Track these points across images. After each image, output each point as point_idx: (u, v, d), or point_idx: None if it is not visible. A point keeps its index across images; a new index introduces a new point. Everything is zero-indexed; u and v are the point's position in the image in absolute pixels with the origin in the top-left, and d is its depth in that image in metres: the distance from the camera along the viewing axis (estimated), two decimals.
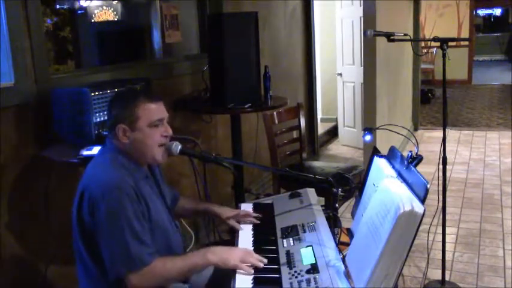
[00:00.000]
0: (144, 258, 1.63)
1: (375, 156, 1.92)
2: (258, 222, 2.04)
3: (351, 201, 2.12)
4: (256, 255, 1.69)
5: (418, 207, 1.37)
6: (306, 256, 1.64)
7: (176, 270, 1.68)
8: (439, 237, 3.07)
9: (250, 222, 2.05)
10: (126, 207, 1.62)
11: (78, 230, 1.71)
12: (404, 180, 1.61)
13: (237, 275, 1.62)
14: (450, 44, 2.81)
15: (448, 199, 3.06)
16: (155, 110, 1.76)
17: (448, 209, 3.19)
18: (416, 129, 7.35)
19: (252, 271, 1.63)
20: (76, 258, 1.76)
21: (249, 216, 2.07)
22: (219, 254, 1.69)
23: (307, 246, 1.70)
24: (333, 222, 1.82)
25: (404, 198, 1.40)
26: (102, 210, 1.62)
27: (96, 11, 3.31)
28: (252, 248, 1.82)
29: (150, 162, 1.84)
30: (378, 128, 2.83)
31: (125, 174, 1.69)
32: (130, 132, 1.74)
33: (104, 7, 3.36)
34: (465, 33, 11.49)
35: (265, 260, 1.68)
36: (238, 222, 2.06)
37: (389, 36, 2.96)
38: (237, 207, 2.25)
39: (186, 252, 1.85)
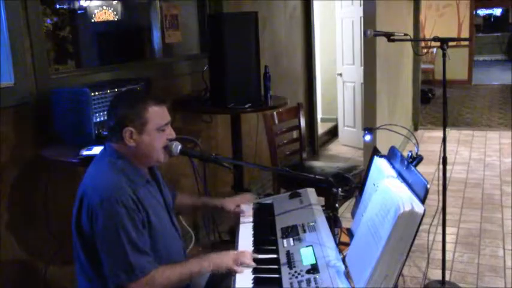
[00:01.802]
0: (144, 268, 1.64)
1: (375, 156, 1.92)
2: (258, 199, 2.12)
3: (351, 201, 2.12)
4: (249, 257, 1.71)
5: (418, 207, 1.37)
6: (306, 256, 1.64)
7: (175, 278, 1.69)
8: (439, 237, 3.07)
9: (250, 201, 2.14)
10: (124, 217, 1.62)
11: (77, 235, 1.71)
12: (405, 180, 1.61)
13: (237, 274, 1.63)
14: (450, 44, 2.81)
15: (448, 199, 3.06)
16: (163, 114, 1.77)
17: (448, 209, 3.19)
18: (416, 129, 7.35)
19: (244, 270, 1.65)
20: (75, 261, 1.77)
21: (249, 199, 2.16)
22: (212, 261, 1.72)
23: (307, 246, 1.70)
24: (333, 222, 1.82)
25: (405, 198, 1.40)
26: (100, 219, 1.62)
27: (96, 11, 3.31)
28: (252, 248, 1.83)
29: (153, 164, 1.84)
30: (378, 128, 2.83)
31: (123, 181, 1.68)
32: (138, 135, 1.73)
33: (104, 7, 3.36)
34: (465, 33, 11.48)
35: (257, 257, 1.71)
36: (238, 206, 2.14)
37: (389, 36, 2.96)
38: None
39: (185, 260, 1.85)
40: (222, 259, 1.71)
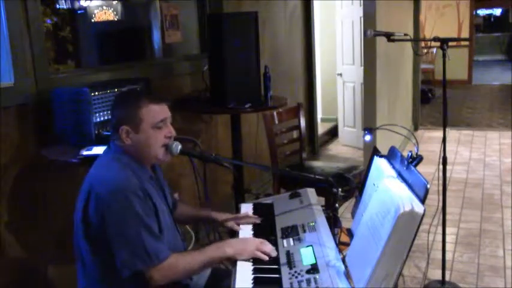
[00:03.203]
0: (161, 253, 1.64)
1: (375, 156, 1.92)
2: (259, 222, 2.04)
3: (351, 201, 2.12)
4: (270, 246, 1.73)
5: (418, 207, 1.37)
6: (306, 256, 1.64)
7: (196, 263, 1.70)
8: (439, 237, 3.07)
9: (250, 223, 2.04)
10: (136, 205, 1.62)
11: (82, 230, 1.70)
12: (405, 180, 1.61)
13: (237, 275, 1.62)
14: (450, 44, 2.81)
15: (448, 199, 3.06)
16: (158, 111, 1.77)
17: (448, 209, 3.18)
18: (416, 129, 7.35)
19: (267, 258, 1.67)
20: (76, 259, 1.76)
21: (248, 218, 2.06)
22: (235, 246, 1.72)
23: (307, 246, 1.70)
24: (333, 222, 1.82)
25: (405, 198, 1.40)
26: (112, 210, 1.62)
27: (96, 11, 3.31)
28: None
29: (153, 162, 1.85)
30: (378, 128, 2.83)
31: (130, 174, 1.69)
32: (134, 134, 1.74)
33: (104, 7, 3.35)
34: (465, 33, 11.49)
35: (276, 253, 1.71)
36: (238, 224, 2.05)
37: (389, 36, 2.96)
38: (237, 207, 2.25)
39: (204, 247, 1.84)
40: (246, 246, 1.71)
